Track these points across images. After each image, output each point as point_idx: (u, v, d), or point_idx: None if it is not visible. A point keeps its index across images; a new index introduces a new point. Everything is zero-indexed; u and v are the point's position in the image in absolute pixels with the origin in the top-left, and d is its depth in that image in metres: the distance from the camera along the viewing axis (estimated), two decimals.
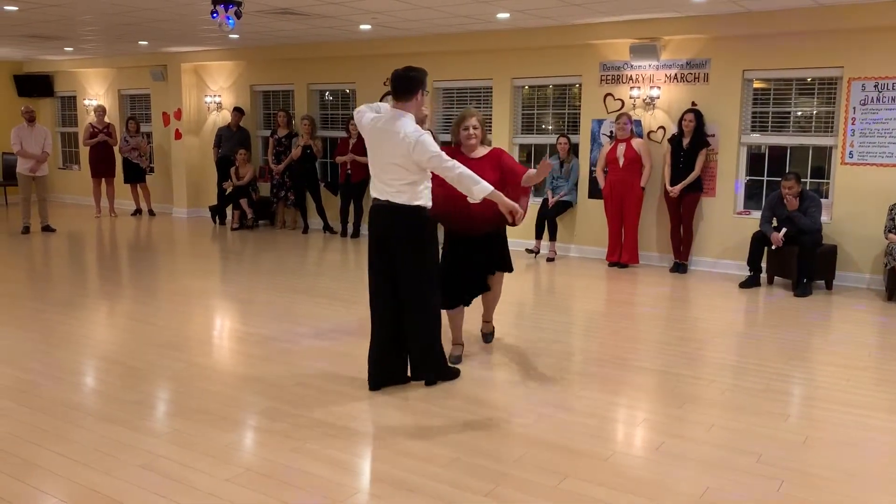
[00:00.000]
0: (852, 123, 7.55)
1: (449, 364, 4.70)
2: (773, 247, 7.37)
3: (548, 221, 8.97)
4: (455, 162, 4.24)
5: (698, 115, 8.13)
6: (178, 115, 12.51)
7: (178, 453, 3.62)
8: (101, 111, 12.69)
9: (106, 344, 5.55)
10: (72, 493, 3.24)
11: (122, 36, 10.35)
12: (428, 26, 8.99)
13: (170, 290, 7.30)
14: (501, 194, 4.37)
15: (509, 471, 3.47)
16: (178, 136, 12.59)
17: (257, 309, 6.58)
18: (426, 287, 4.42)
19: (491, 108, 9.71)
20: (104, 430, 3.91)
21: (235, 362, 5.16)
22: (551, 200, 8.96)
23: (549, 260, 8.89)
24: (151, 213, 12.82)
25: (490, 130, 9.67)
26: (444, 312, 4.73)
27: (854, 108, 7.53)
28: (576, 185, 9.11)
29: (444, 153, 4.24)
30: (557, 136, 9.10)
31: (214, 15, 7.05)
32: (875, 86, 7.41)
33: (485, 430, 3.96)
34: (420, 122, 4.41)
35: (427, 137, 4.21)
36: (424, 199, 4.33)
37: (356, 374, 4.83)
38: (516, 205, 4.42)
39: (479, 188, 4.21)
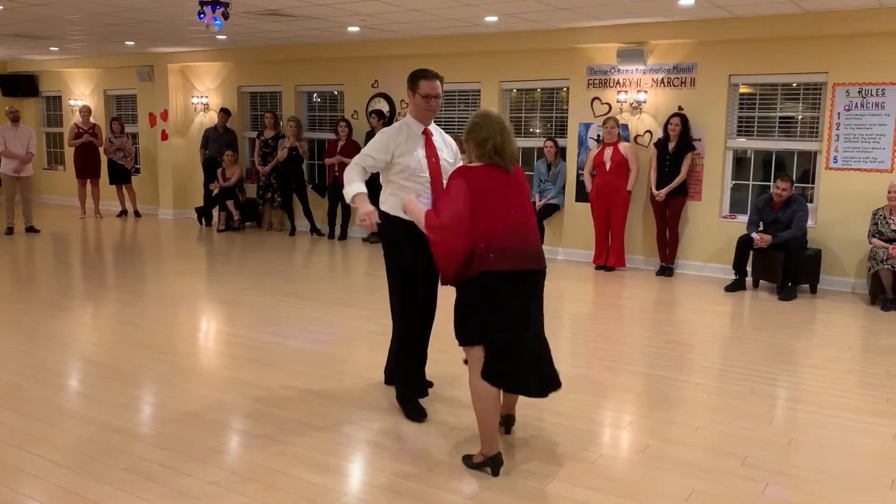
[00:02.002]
0: (837, 129, 7.62)
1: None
2: (755, 246, 7.42)
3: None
4: (357, 159, 4.04)
5: (684, 120, 8.18)
6: (165, 115, 12.45)
7: (162, 456, 3.60)
8: (86, 111, 12.61)
9: (90, 346, 5.51)
10: (55, 496, 3.21)
11: (108, 36, 10.29)
12: (416, 29, 8.99)
13: (155, 292, 7.26)
14: (364, 199, 3.92)
15: (497, 475, 3.47)
16: (164, 136, 12.52)
17: (243, 311, 6.55)
18: (391, 294, 4.23)
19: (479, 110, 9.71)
20: (88, 432, 3.88)
21: (221, 365, 5.13)
22: (538, 204, 8.98)
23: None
24: (137, 214, 12.74)
25: None
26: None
27: (839, 113, 7.59)
28: (563, 188, 9.13)
29: (367, 153, 4.04)
30: (545, 139, 9.13)
31: (202, 16, 7.02)
32: (859, 91, 7.48)
33: (471, 434, 3.95)
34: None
35: (377, 135, 4.11)
36: (388, 204, 4.08)
37: (342, 376, 4.83)
38: (368, 209, 3.87)
39: (346, 189, 3.98)
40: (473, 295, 3.43)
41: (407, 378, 4.26)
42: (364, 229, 3.59)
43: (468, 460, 3.56)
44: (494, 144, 3.48)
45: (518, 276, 3.41)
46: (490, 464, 3.47)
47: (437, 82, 4.06)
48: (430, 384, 4.49)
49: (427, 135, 4.12)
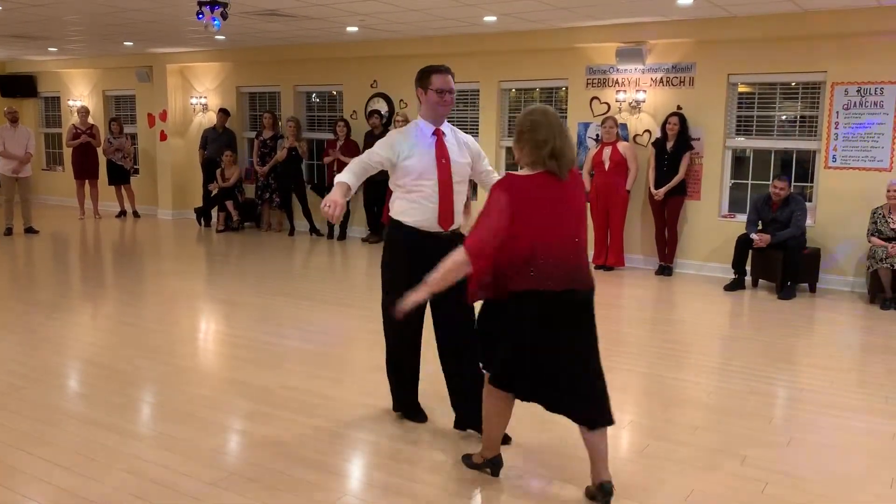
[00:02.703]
0: (835, 128, 7.62)
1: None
2: (754, 245, 7.43)
3: None
4: (363, 154, 3.76)
5: (682, 119, 8.18)
6: (164, 116, 12.44)
7: (162, 457, 3.60)
8: (84, 112, 12.59)
9: (89, 346, 5.51)
10: (54, 497, 3.21)
11: (107, 36, 10.28)
12: (415, 29, 8.99)
13: (154, 293, 7.25)
14: (341, 188, 3.54)
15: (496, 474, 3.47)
16: (163, 137, 12.51)
17: (242, 311, 6.55)
18: (383, 302, 3.96)
19: (478, 110, 9.72)
20: (88, 433, 3.88)
21: (221, 365, 5.13)
22: None
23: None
24: (136, 214, 12.73)
25: (477, 134, 9.71)
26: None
27: (837, 112, 7.59)
28: None
29: (375, 149, 3.73)
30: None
31: (200, 16, 7.02)
32: (858, 90, 7.48)
33: (472, 434, 3.95)
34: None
35: (386, 136, 3.86)
36: (395, 208, 3.84)
37: (341, 376, 4.83)
38: (335, 198, 3.46)
39: (336, 177, 3.65)
40: (503, 316, 3.17)
41: (398, 397, 4.12)
42: (326, 217, 3.50)
43: (468, 460, 3.55)
44: (553, 148, 3.09)
45: (562, 295, 3.07)
46: (490, 465, 3.44)
47: (450, 76, 3.83)
48: (509, 439, 3.74)
49: (438, 135, 3.81)
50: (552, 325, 3.09)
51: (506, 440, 3.67)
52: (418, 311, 3.71)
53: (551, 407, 3.23)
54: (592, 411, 3.18)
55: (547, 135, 3.10)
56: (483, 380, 3.43)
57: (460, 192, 3.84)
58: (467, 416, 3.86)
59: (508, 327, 3.16)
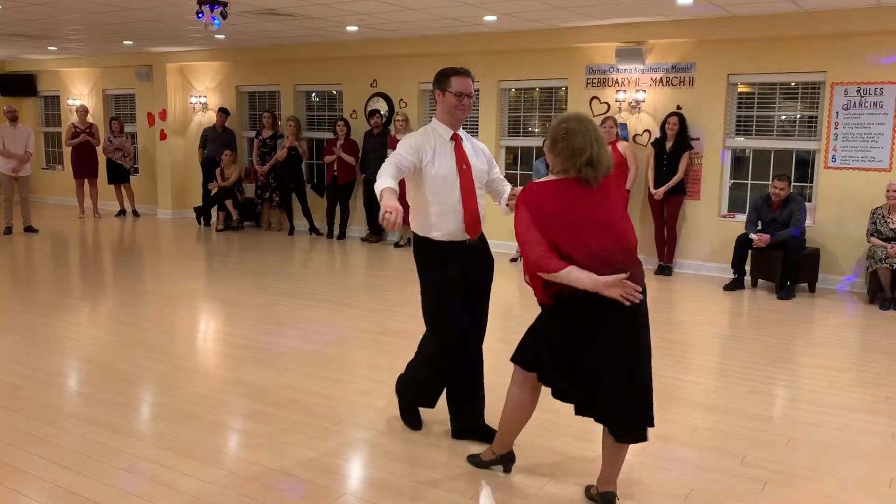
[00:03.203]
0: (835, 128, 7.62)
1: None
2: (754, 245, 7.43)
3: None
4: (390, 158, 3.53)
5: (681, 119, 8.18)
6: (163, 115, 12.44)
7: (161, 456, 3.60)
8: (83, 111, 12.60)
9: (89, 346, 5.51)
10: (54, 496, 3.21)
11: (106, 35, 10.28)
12: (415, 28, 8.99)
13: (154, 292, 7.25)
14: (391, 194, 3.29)
15: (495, 474, 3.47)
16: (162, 136, 12.51)
17: (242, 311, 6.55)
18: (425, 318, 3.80)
19: (478, 110, 9.72)
20: (87, 432, 3.88)
21: (220, 365, 5.13)
22: None
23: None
24: (136, 213, 12.73)
25: (477, 134, 9.71)
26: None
27: (837, 112, 7.60)
28: None
29: (398, 153, 3.54)
30: (544, 138, 9.12)
31: (200, 15, 7.02)
32: (857, 91, 7.48)
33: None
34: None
35: (405, 139, 3.69)
36: (416, 223, 3.71)
37: (341, 376, 4.83)
38: (394, 204, 3.19)
39: (376, 184, 3.40)
40: (547, 322, 3.12)
41: (418, 394, 3.97)
42: (388, 229, 3.26)
43: (475, 459, 3.53)
44: (591, 155, 2.99)
45: (606, 302, 2.90)
46: (502, 461, 3.43)
47: (470, 80, 3.68)
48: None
49: (456, 140, 3.70)
50: (598, 331, 2.98)
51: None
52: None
53: (581, 409, 3.13)
54: (624, 424, 3.05)
55: (583, 142, 3.01)
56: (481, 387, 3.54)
57: (481, 198, 3.74)
58: (467, 424, 3.84)
59: (547, 324, 3.11)
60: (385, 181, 3.37)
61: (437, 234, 3.63)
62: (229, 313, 6.54)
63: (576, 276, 2.89)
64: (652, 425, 3.11)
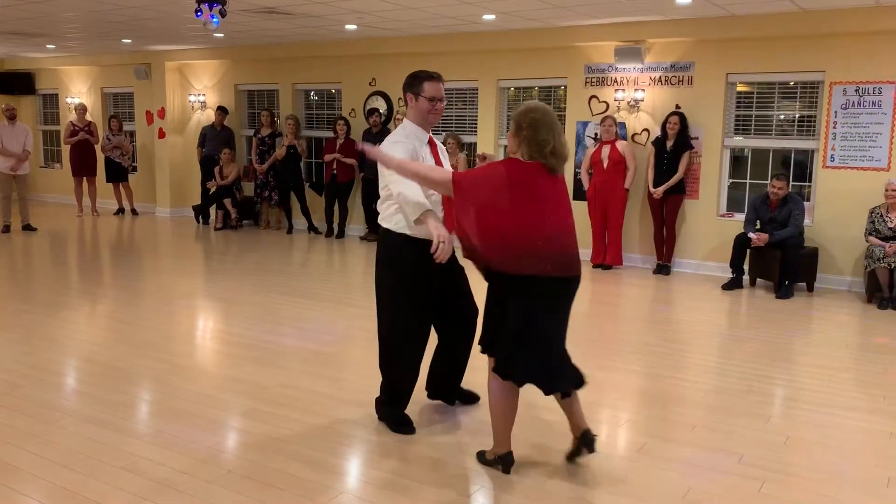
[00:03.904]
0: (834, 127, 7.63)
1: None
2: (752, 244, 7.43)
3: None
4: (402, 171, 3.47)
5: (682, 118, 8.18)
6: (162, 113, 12.43)
7: (160, 455, 3.60)
8: (81, 109, 12.59)
9: (87, 344, 5.51)
10: (52, 495, 3.21)
11: (105, 34, 10.27)
12: (414, 27, 8.99)
13: (153, 291, 7.25)
14: (436, 217, 3.46)
15: (493, 471, 3.47)
16: (161, 135, 12.50)
17: (241, 310, 6.55)
18: (381, 313, 3.90)
19: (477, 109, 9.72)
20: (85, 431, 3.88)
21: (218, 363, 5.13)
22: None
23: None
24: (134, 212, 12.73)
25: (475, 132, 9.71)
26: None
27: (835, 111, 7.60)
28: None
29: (403, 157, 3.55)
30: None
31: (199, 13, 7.01)
32: (856, 90, 7.49)
33: (468, 432, 3.96)
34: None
35: (388, 145, 3.68)
36: (392, 221, 3.75)
37: (339, 375, 4.83)
38: (446, 234, 3.40)
39: (411, 201, 3.46)
40: (504, 298, 3.29)
41: (389, 401, 3.98)
42: (439, 260, 3.36)
43: (482, 457, 3.58)
44: (554, 146, 3.25)
45: (550, 282, 3.22)
46: (501, 462, 3.47)
47: (441, 84, 3.77)
48: (478, 397, 4.16)
49: (431, 144, 3.82)
50: (551, 308, 3.30)
51: (473, 399, 4.19)
52: (421, 312, 3.83)
53: (547, 388, 3.40)
54: (570, 380, 3.46)
55: (547, 135, 3.24)
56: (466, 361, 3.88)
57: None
58: (443, 386, 4.16)
59: (514, 309, 3.27)
60: (421, 200, 3.44)
61: (418, 234, 3.63)
62: (228, 312, 6.53)
63: (430, 178, 3.39)
64: (581, 375, 3.50)
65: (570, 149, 3.34)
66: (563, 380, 3.43)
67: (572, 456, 3.54)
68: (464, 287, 3.95)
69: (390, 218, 3.75)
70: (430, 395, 4.27)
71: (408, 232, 3.68)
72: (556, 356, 3.37)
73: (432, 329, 3.99)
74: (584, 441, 3.46)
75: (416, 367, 3.95)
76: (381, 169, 3.68)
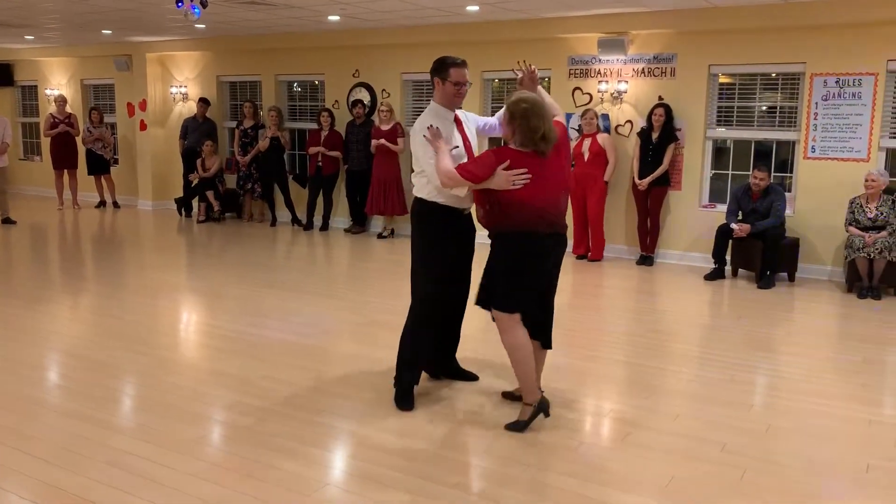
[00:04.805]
0: (814, 118, 7.69)
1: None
2: (734, 235, 7.49)
3: None
4: (439, 157, 3.86)
5: (668, 110, 8.21)
6: (143, 105, 12.31)
7: (143, 449, 3.58)
8: (62, 101, 12.44)
9: (69, 338, 5.46)
10: (35, 490, 3.19)
11: (84, 25, 10.14)
12: (397, 18, 8.95)
13: (135, 284, 7.20)
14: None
15: (478, 462, 3.49)
16: (143, 127, 12.39)
17: (224, 303, 6.52)
18: (416, 279, 4.21)
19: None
20: (68, 426, 3.85)
21: (202, 356, 5.11)
22: None
23: None
24: (116, 205, 12.61)
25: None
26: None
27: (816, 103, 7.66)
28: None
29: (431, 153, 3.91)
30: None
31: (180, 4, 6.93)
32: (836, 81, 7.54)
33: (453, 423, 3.97)
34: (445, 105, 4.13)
35: (420, 134, 3.99)
36: (424, 191, 4.09)
37: (324, 367, 4.82)
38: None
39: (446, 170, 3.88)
40: (501, 249, 3.84)
41: (411, 360, 4.20)
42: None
43: (514, 426, 3.83)
44: (544, 132, 3.72)
45: (550, 237, 3.82)
46: (539, 410, 3.82)
47: (466, 70, 4.09)
48: (476, 377, 4.51)
49: (458, 121, 4.16)
50: (541, 258, 3.82)
51: (472, 377, 4.48)
52: (451, 276, 4.20)
53: (535, 332, 3.91)
54: (549, 336, 4.02)
55: (538, 122, 3.72)
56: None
57: None
58: (444, 364, 4.42)
59: (509, 263, 3.81)
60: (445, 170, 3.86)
61: (442, 200, 4.03)
62: (211, 305, 6.50)
63: (445, 166, 3.86)
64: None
65: (554, 130, 3.82)
66: (548, 329, 3.98)
67: (509, 397, 4.16)
68: (470, 252, 4.27)
69: (422, 188, 4.11)
70: (429, 372, 4.47)
71: (438, 200, 4.04)
72: (547, 302, 3.95)
73: None
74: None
75: (436, 330, 4.29)
76: (414, 150, 4.09)
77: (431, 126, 3.93)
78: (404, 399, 4.13)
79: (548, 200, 3.79)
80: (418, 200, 4.16)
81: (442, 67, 4.05)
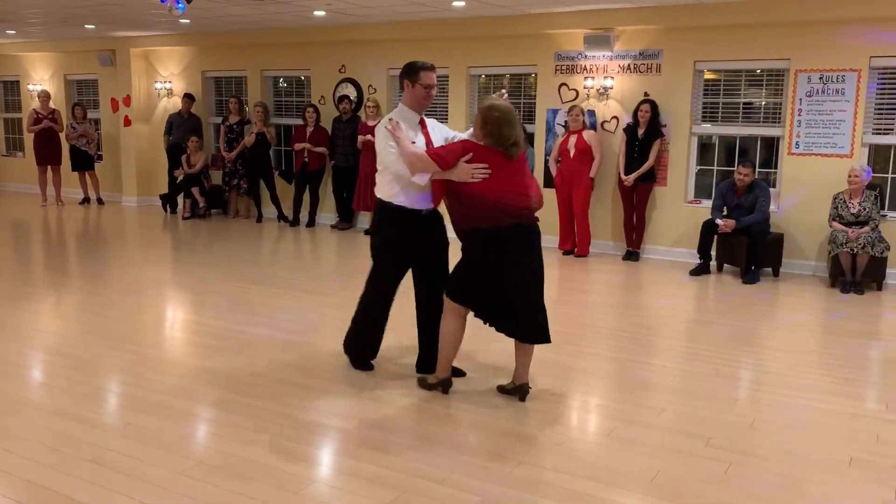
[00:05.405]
0: (799, 114, 7.74)
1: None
2: (719, 231, 7.53)
3: None
4: (399, 146, 4.10)
5: (654, 106, 8.24)
6: (127, 101, 12.22)
7: (129, 447, 3.56)
8: (45, 96, 12.32)
9: (53, 336, 5.42)
10: (19, 489, 3.17)
11: (67, 19, 10.05)
12: (383, 13, 8.92)
13: (120, 281, 7.15)
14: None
15: (465, 458, 3.50)
16: (127, 122, 12.29)
17: (210, 299, 6.49)
18: (372, 270, 4.54)
19: (447, 97, 9.69)
20: (52, 424, 3.82)
21: (188, 353, 5.09)
22: None
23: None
24: (100, 201, 12.51)
25: (446, 120, 9.69)
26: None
27: (800, 99, 7.71)
28: (531, 174, 9.15)
29: (391, 144, 4.12)
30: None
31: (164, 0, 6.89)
32: (820, 78, 7.60)
33: (440, 419, 3.98)
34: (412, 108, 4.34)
35: (382, 128, 4.20)
36: (383, 191, 4.31)
37: (310, 364, 4.81)
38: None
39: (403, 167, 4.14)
40: (469, 249, 4.04)
41: (358, 350, 4.67)
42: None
43: (423, 383, 4.32)
44: (515, 140, 3.98)
45: (512, 228, 3.96)
46: (441, 385, 4.23)
47: (434, 73, 4.31)
48: (464, 373, 4.54)
49: (423, 124, 4.34)
50: (504, 251, 3.95)
51: (460, 373, 4.49)
52: (397, 276, 4.43)
53: (484, 318, 4.11)
54: (525, 329, 4.04)
55: (510, 131, 3.97)
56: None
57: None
58: (433, 360, 4.42)
59: (473, 256, 4.02)
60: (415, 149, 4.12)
61: (398, 201, 4.24)
62: (197, 302, 6.47)
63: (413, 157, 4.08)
64: (547, 333, 4.10)
65: (522, 135, 4.13)
66: (507, 321, 4.05)
67: (503, 391, 4.25)
68: (439, 251, 4.42)
69: (381, 188, 4.32)
70: (417, 368, 4.59)
71: (393, 201, 4.25)
72: (512, 298, 4.00)
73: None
74: (520, 391, 4.15)
75: (383, 322, 4.55)
76: (377, 147, 4.25)
77: (392, 119, 4.15)
78: (360, 365, 4.64)
79: (508, 194, 3.95)
80: (378, 200, 4.38)
81: (412, 71, 4.25)
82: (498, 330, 4.11)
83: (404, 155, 4.05)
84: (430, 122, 4.44)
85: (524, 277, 4.01)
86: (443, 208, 4.32)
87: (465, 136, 4.39)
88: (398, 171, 4.11)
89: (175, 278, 7.46)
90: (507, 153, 3.98)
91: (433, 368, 4.37)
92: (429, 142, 4.28)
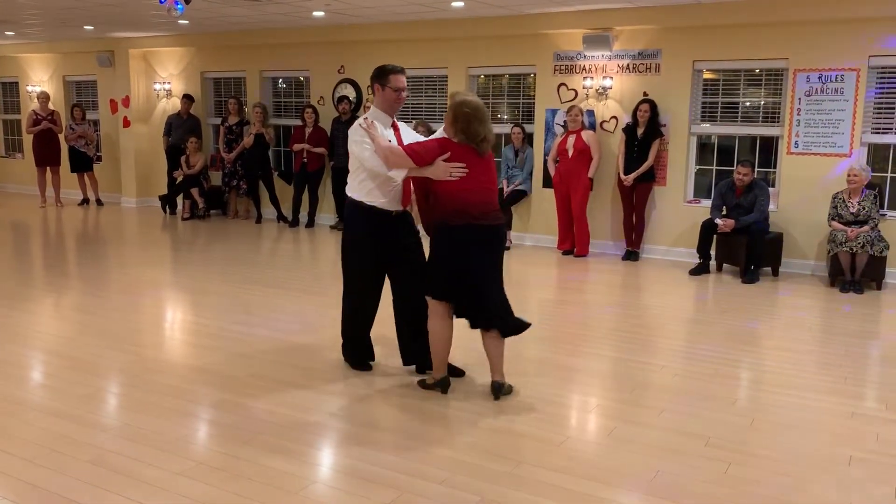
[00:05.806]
0: (797, 114, 7.74)
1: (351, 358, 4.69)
2: (719, 230, 7.53)
3: (503, 211, 9.01)
4: (374, 143, 4.16)
5: (653, 106, 8.24)
6: (126, 102, 12.21)
7: (128, 448, 3.56)
8: (44, 98, 12.32)
9: (52, 337, 5.41)
10: (18, 490, 3.16)
11: (66, 20, 10.04)
12: (382, 14, 8.92)
13: (119, 282, 7.15)
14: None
15: (464, 458, 3.49)
16: (126, 123, 12.29)
17: (209, 300, 6.48)
18: (344, 276, 4.58)
19: (446, 96, 9.68)
20: (51, 425, 3.82)
21: (187, 354, 5.08)
22: (506, 190, 9.00)
23: (505, 249, 8.93)
24: (99, 202, 12.51)
25: (442, 121, 9.67)
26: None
27: (799, 98, 7.71)
28: (530, 174, 9.16)
29: (366, 142, 4.18)
30: (512, 125, 9.13)
31: (163, 0, 6.88)
32: (819, 77, 7.60)
33: (438, 419, 3.98)
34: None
35: (356, 127, 4.27)
36: (354, 191, 4.35)
37: (309, 365, 4.81)
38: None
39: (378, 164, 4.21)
40: (440, 245, 4.11)
41: (353, 351, 4.70)
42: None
43: (422, 383, 4.32)
44: (485, 136, 4.07)
45: (478, 225, 4.04)
46: (438, 385, 4.22)
47: (405, 76, 4.37)
48: (463, 373, 4.53)
49: (395, 127, 4.38)
50: (471, 247, 4.04)
51: (459, 373, 4.46)
52: (372, 274, 4.45)
53: (462, 312, 4.16)
54: (486, 316, 4.10)
55: (479, 129, 4.04)
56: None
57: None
58: (414, 351, 4.52)
59: (443, 252, 4.09)
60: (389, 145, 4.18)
61: (369, 200, 4.29)
62: (196, 302, 6.47)
63: (390, 153, 4.15)
64: (516, 323, 4.17)
65: (493, 132, 4.21)
66: (479, 315, 4.11)
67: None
68: (413, 251, 4.43)
69: (353, 188, 4.36)
70: (406, 362, 4.64)
71: (365, 201, 4.29)
72: (477, 287, 4.07)
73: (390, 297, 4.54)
74: (492, 389, 4.18)
75: (365, 321, 4.60)
76: (351, 146, 4.28)
77: (367, 118, 4.23)
78: (359, 366, 4.67)
79: (479, 192, 4.06)
80: (349, 199, 4.42)
81: (382, 74, 4.32)
82: (472, 326, 4.18)
83: (380, 150, 4.10)
84: (402, 126, 4.49)
85: (484, 267, 4.08)
86: (413, 208, 4.47)
87: (439, 133, 4.37)
88: (374, 167, 4.16)
89: (174, 279, 7.45)
90: (478, 149, 4.07)
91: (417, 359, 4.51)
92: (400, 144, 4.30)
